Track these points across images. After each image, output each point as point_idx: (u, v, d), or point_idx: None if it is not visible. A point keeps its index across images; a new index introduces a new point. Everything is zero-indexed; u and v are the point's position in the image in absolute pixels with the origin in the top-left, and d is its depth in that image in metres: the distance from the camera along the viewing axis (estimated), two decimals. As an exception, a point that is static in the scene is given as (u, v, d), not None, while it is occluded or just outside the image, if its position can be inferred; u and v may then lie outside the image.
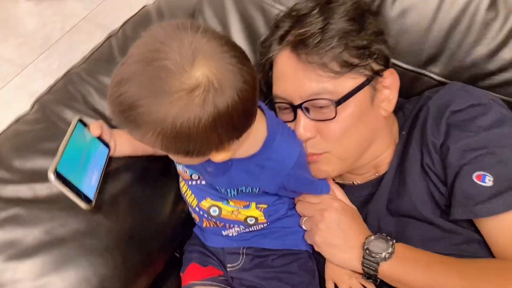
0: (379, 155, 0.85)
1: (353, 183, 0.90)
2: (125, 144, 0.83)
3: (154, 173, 0.90)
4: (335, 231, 0.78)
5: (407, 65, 0.90)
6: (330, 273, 0.81)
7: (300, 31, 0.77)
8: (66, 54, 1.76)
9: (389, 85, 0.81)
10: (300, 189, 0.81)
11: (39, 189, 0.78)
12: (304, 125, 0.77)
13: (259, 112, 0.75)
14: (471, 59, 0.86)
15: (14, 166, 0.80)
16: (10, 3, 2.15)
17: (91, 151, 0.77)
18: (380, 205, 0.83)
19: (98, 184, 0.75)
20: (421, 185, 0.78)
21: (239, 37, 0.97)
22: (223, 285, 0.84)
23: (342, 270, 0.79)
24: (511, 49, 0.84)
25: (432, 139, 0.77)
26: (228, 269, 0.86)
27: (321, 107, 0.77)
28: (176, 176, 0.90)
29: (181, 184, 0.87)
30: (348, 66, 0.75)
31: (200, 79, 0.55)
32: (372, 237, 0.76)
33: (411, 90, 0.93)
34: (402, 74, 0.90)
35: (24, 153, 0.82)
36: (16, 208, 0.75)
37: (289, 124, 0.80)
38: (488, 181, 0.69)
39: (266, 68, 0.85)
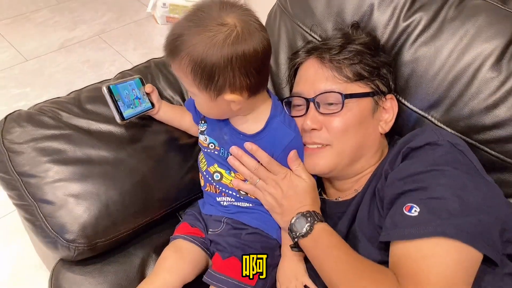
0: (364, 170, 0.94)
1: (336, 199, 0.99)
2: (166, 112, 1.08)
3: (182, 144, 1.12)
4: (292, 195, 0.89)
5: (412, 106, 1.00)
6: (281, 274, 0.90)
7: (326, 45, 0.96)
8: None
9: (388, 108, 0.96)
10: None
11: (92, 125, 1.04)
12: (312, 117, 0.92)
13: (267, 97, 0.94)
14: (468, 110, 0.92)
15: (85, 107, 1.08)
16: (150, 24, 2.75)
17: (139, 98, 1.02)
18: (344, 225, 0.89)
19: (132, 116, 1.00)
20: (366, 207, 0.84)
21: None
22: (200, 245, 0.99)
23: (290, 274, 0.88)
24: (507, 108, 0.89)
25: (386, 168, 0.82)
26: (209, 232, 1.01)
27: (330, 104, 0.91)
28: (197, 154, 1.10)
29: (200, 156, 1.06)
30: (359, 76, 0.92)
31: (230, 22, 0.79)
32: (300, 214, 0.85)
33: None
34: (409, 114, 1.01)
35: (94, 101, 1.10)
36: (71, 131, 1.01)
37: (299, 119, 0.95)
38: (414, 211, 0.70)
39: (291, 73, 1.04)
